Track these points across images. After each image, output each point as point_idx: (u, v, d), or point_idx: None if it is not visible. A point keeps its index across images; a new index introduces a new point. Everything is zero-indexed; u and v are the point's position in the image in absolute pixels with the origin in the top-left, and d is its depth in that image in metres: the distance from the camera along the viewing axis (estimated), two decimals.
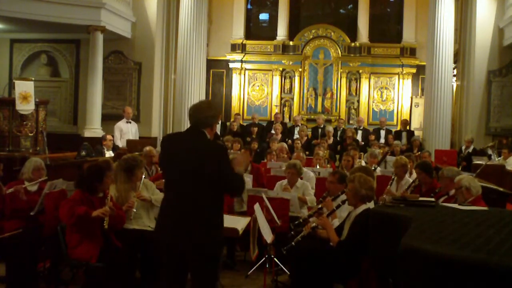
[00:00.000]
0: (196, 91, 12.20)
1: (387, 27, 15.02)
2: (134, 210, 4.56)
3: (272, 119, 13.06)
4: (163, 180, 4.46)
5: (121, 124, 10.65)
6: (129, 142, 10.23)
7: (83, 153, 8.23)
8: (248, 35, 14.99)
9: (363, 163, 7.95)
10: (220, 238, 3.34)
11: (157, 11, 12.44)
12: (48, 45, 13.06)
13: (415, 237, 2.67)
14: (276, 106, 14.45)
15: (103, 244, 4.22)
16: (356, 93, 14.45)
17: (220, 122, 12.59)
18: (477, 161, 9.13)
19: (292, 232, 4.60)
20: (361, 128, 12.29)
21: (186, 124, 11.94)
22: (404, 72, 14.30)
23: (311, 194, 5.96)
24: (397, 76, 14.41)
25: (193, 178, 3.22)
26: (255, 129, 12.05)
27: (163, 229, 3.31)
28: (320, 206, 4.81)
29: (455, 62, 12.45)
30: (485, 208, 3.96)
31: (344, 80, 14.39)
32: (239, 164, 3.49)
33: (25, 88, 8.35)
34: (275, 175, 6.79)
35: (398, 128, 13.17)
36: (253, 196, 5.41)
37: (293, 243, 4.35)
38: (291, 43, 14.54)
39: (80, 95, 12.76)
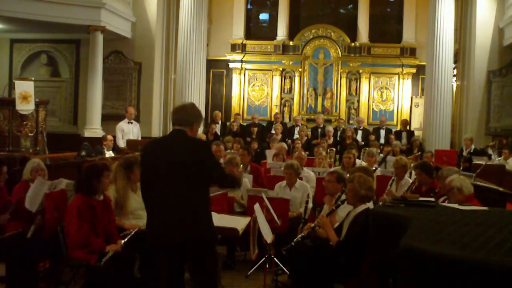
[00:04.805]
0: (196, 91, 12.21)
1: (387, 27, 15.01)
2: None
3: (272, 119, 13.06)
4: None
5: (123, 125, 10.65)
6: (129, 142, 10.24)
7: (83, 153, 8.23)
8: (248, 35, 14.98)
9: (363, 163, 7.95)
10: (210, 228, 3.38)
11: (157, 11, 12.44)
12: (48, 45, 13.07)
13: (415, 237, 2.67)
14: (276, 106, 14.44)
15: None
16: (356, 93, 14.44)
17: (220, 122, 12.60)
18: (477, 161, 9.12)
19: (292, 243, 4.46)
20: (361, 128, 12.29)
21: None
22: (404, 72, 14.29)
23: (309, 202, 5.77)
24: (397, 76, 14.40)
25: (177, 176, 3.27)
26: (255, 129, 12.05)
27: (155, 228, 3.35)
28: (313, 225, 4.50)
29: (455, 62, 12.45)
30: (485, 208, 3.96)
31: (344, 80, 14.39)
32: None
33: (25, 88, 8.36)
34: (275, 175, 6.78)
35: (398, 128, 13.17)
36: (253, 196, 5.41)
37: (292, 243, 4.34)
38: (291, 43, 14.54)
39: (80, 95, 12.77)
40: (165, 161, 3.31)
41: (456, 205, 4.00)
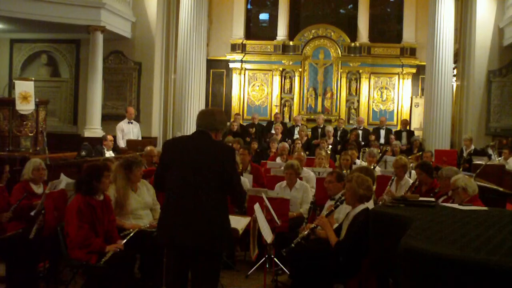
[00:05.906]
0: (196, 91, 12.20)
1: (387, 27, 15.01)
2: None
3: (272, 119, 13.06)
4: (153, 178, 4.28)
5: (123, 125, 10.65)
6: (129, 142, 10.24)
7: (83, 153, 8.23)
8: (248, 35, 14.98)
9: (363, 163, 7.95)
10: (226, 235, 3.32)
11: (157, 11, 12.45)
12: (48, 45, 13.08)
13: (415, 237, 2.67)
14: (276, 106, 14.44)
15: None
16: (356, 93, 14.44)
17: None
18: (477, 161, 9.12)
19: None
20: (361, 128, 12.29)
21: (186, 124, 11.96)
22: (404, 72, 14.29)
23: (308, 202, 5.81)
24: (397, 76, 14.39)
25: (198, 177, 3.20)
26: (253, 129, 12.00)
27: (167, 228, 3.28)
28: (313, 225, 4.54)
29: (455, 62, 12.45)
30: (485, 208, 3.96)
31: (344, 80, 14.38)
32: None
33: (25, 88, 8.36)
34: (275, 175, 6.78)
35: (398, 128, 13.17)
36: (253, 196, 5.40)
37: (292, 244, 4.33)
38: (291, 43, 14.53)
39: (80, 95, 12.77)
40: (186, 161, 3.24)
41: (456, 205, 4.00)
